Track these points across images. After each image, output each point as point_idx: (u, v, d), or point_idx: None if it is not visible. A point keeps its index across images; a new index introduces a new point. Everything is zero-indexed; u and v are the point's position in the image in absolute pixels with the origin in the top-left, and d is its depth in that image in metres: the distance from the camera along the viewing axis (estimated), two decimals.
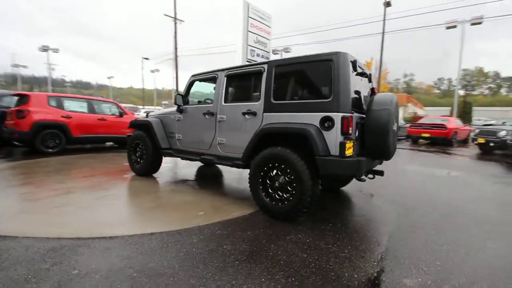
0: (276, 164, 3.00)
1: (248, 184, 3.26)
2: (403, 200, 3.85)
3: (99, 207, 3.20)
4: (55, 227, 2.60)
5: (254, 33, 13.95)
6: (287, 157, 2.87)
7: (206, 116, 3.88)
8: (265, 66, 3.30)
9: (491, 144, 9.48)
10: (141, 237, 2.46)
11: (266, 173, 3.11)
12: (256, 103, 3.33)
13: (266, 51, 14.64)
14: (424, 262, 2.18)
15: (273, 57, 22.47)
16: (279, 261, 2.12)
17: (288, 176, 2.94)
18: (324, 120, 2.79)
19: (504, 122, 12.94)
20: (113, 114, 8.30)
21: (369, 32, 20.70)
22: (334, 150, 2.74)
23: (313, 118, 2.85)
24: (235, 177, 5.08)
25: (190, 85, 4.27)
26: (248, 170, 3.31)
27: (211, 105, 3.87)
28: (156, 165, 4.79)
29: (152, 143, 4.58)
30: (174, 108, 4.88)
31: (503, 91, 77.59)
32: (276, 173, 3.05)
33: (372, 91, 3.72)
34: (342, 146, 2.69)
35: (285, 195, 3.00)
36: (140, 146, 4.84)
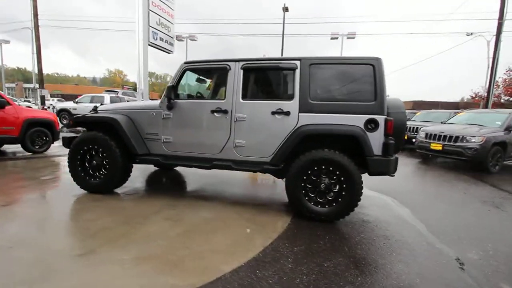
0: (323, 167, 2.91)
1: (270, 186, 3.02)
2: None
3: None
4: None
5: (156, 13, 12.56)
6: (338, 159, 2.84)
7: (216, 114, 3.26)
8: (298, 62, 3.08)
9: (455, 157, 6.26)
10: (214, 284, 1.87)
11: (308, 177, 2.97)
12: (290, 102, 3.07)
13: (170, 36, 13.47)
14: None
15: (178, 44, 20.58)
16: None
17: (335, 178, 2.92)
18: (368, 122, 2.91)
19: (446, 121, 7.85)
20: None
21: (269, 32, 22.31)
22: (377, 150, 2.92)
23: (358, 120, 2.93)
24: (205, 174, 4.52)
25: (182, 75, 3.43)
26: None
27: (222, 101, 3.27)
28: (126, 176, 3.63)
29: (121, 148, 3.44)
30: (149, 102, 3.83)
31: None
32: (319, 176, 2.96)
33: None
34: (386, 146, 2.90)
35: (327, 198, 2.97)
36: (95, 153, 3.52)
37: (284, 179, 3.10)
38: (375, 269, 2.09)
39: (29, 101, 26.22)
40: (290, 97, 3.09)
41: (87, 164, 3.58)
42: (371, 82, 2.95)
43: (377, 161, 2.88)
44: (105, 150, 3.44)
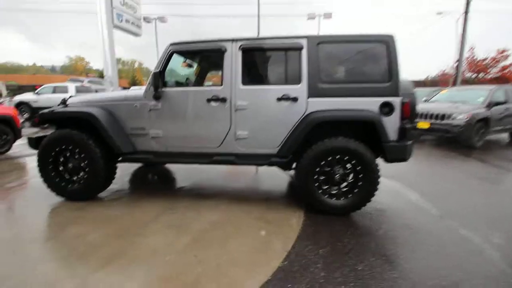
0: (337, 157, 2.67)
1: (288, 181, 2.76)
2: None
3: None
4: None
5: None
6: (355, 148, 2.61)
7: (212, 103, 2.86)
8: (304, 41, 2.73)
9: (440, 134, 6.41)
10: None
11: (321, 168, 2.72)
12: (296, 86, 2.74)
13: (136, 18, 12.43)
14: None
15: (146, 27, 19.04)
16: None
17: (350, 168, 2.70)
18: (384, 105, 2.69)
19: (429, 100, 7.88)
20: None
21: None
22: (394, 135, 2.73)
23: (372, 103, 2.69)
24: (198, 168, 4.16)
25: (169, 58, 2.95)
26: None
27: (218, 88, 2.86)
28: (110, 178, 3.16)
29: (101, 146, 2.95)
30: (130, 91, 3.32)
31: None
32: (333, 166, 2.72)
33: None
34: (403, 131, 2.71)
35: (342, 189, 2.76)
36: (70, 154, 3.01)
37: (293, 172, 2.83)
38: (411, 267, 1.92)
39: None
40: (297, 81, 2.76)
41: (61, 168, 3.06)
42: (385, 61, 2.70)
43: (394, 147, 2.69)
44: (83, 151, 2.93)
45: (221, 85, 2.86)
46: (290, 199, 3.18)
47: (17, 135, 5.81)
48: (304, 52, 2.73)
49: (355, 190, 2.71)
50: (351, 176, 2.74)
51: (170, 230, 2.39)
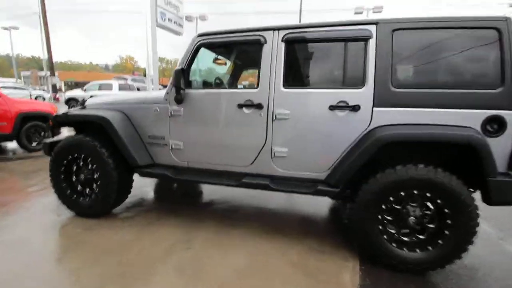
0: (415, 192, 1.89)
1: (345, 222, 2.03)
2: None
3: None
4: None
5: None
6: (445, 183, 1.80)
7: (245, 109, 2.25)
8: (373, 28, 1.98)
9: None
10: None
11: (389, 205, 1.96)
12: (359, 90, 2.01)
13: (179, 17, 12.39)
14: None
15: (188, 25, 19.33)
16: None
17: (433, 209, 1.90)
18: (489, 121, 1.83)
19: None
20: None
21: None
22: (503, 166, 1.85)
23: (472, 118, 1.85)
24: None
25: (195, 53, 2.41)
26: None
27: (253, 90, 2.25)
28: (125, 193, 2.74)
29: (116, 157, 2.52)
30: (152, 93, 2.87)
31: None
32: (406, 204, 1.94)
33: None
34: None
35: (418, 237, 1.96)
36: (83, 164, 2.64)
37: (348, 206, 2.10)
38: None
39: (43, 89, 25.91)
40: (359, 83, 2.02)
41: (74, 178, 2.71)
42: (495, 56, 1.84)
43: (504, 184, 1.81)
44: (95, 161, 2.53)
45: (257, 87, 2.23)
46: (340, 238, 2.44)
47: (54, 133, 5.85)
48: (371, 43, 1.98)
49: (439, 241, 1.90)
50: (433, 220, 1.93)
51: (180, 277, 1.83)
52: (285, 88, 2.16)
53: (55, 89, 20.61)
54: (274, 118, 2.18)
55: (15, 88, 20.44)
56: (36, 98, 19.87)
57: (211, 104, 2.35)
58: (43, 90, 25.50)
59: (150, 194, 3.42)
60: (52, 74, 20.67)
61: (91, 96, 3.07)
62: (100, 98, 2.94)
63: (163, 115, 2.50)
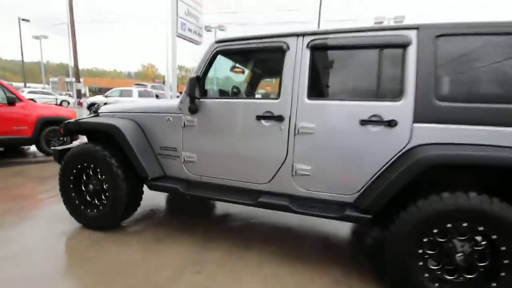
0: (464, 224, 1.60)
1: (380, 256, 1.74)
2: None
3: None
4: None
5: (185, 2, 11.69)
6: (503, 216, 1.50)
7: (264, 122, 2.05)
8: (413, 33, 1.74)
9: None
10: None
11: (432, 238, 1.67)
12: (396, 103, 1.76)
13: (198, 27, 12.52)
14: None
15: (206, 35, 19.69)
16: None
17: (485, 244, 1.59)
18: None
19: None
20: None
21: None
22: None
23: None
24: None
25: (212, 60, 2.25)
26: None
27: (274, 101, 2.05)
28: (132, 207, 2.58)
29: (126, 168, 2.38)
30: (165, 101, 2.75)
31: None
32: (452, 238, 1.65)
33: None
34: None
35: (466, 276, 1.65)
36: (93, 174, 2.52)
37: (385, 236, 1.82)
38: None
39: (69, 95, 27.13)
40: (396, 95, 1.77)
41: (83, 188, 2.60)
42: None
43: None
44: (104, 171, 2.40)
45: (278, 97, 2.03)
46: (367, 268, 2.15)
47: (74, 137, 5.91)
48: (411, 50, 1.73)
49: (493, 285, 1.58)
50: (483, 258, 1.62)
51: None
52: (309, 99, 1.94)
53: (79, 95, 21.51)
54: (296, 132, 1.96)
55: (42, 93, 21.61)
56: (61, 103, 20.86)
57: (227, 115, 2.17)
58: (69, 95, 26.73)
59: (161, 204, 3.26)
60: (77, 80, 21.61)
61: (105, 104, 2.98)
62: (114, 105, 2.84)
63: (176, 125, 2.35)
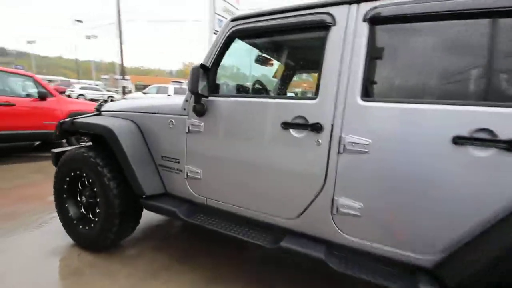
0: None
1: None
2: None
3: None
4: None
5: None
6: None
7: (292, 131, 1.41)
8: None
9: None
10: None
11: None
12: None
13: None
14: None
15: None
16: None
17: None
18: None
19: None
20: (27, 96, 4.97)
21: None
22: None
23: None
24: None
25: (227, 45, 1.67)
26: None
27: (309, 102, 1.40)
28: (127, 228, 2.12)
29: (120, 180, 1.92)
30: (170, 99, 2.26)
31: None
32: None
33: None
34: None
35: None
36: (88, 184, 2.11)
37: None
38: None
39: (117, 91, 29.02)
40: None
41: (79, 199, 2.21)
42: None
43: None
44: (96, 182, 1.97)
45: (316, 96, 1.38)
46: None
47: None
48: None
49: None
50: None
51: None
52: (365, 100, 1.26)
53: (124, 91, 22.87)
54: (341, 149, 1.29)
55: (91, 89, 23.32)
56: (108, 98, 22.28)
57: (242, 119, 1.57)
58: (116, 91, 28.57)
59: (164, 220, 2.79)
60: (123, 77, 22.95)
61: (111, 100, 2.59)
62: (118, 103, 2.41)
63: (179, 130, 1.82)
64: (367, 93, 1.27)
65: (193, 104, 1.66)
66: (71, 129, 2.20)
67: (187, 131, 1.76)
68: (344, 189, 1.31)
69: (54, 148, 2.44)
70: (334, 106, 1.31)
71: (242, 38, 1.71)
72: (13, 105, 4.62)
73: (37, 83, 5.15)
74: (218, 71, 1.71)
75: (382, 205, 1.25)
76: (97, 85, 30.65)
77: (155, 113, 1.95)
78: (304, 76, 3.05)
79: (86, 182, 2.12)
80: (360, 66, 1.26)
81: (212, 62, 1.67)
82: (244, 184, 1.61)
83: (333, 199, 1.34)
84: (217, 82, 1.73)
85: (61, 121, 2.25)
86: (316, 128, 1.34)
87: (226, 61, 1.70)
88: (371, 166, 1.24)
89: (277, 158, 1.47)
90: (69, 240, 2.21)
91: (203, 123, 1.70)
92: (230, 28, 1.63)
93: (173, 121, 1.84)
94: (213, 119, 1.67)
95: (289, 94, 2.42)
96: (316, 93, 1.37)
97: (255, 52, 2.05)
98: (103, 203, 1.94)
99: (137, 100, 2.39)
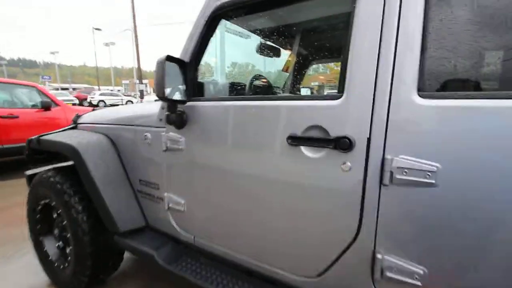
0: None
1: None
2: None
3: None
4: None
5: None
6: None
7: (304, 149, 0.92)
8: None
9: None
10: None
11: None
12: None
13: None
14: None
15: None
16: None
17: None
18: None
19: None
20: (33, 106, 4.82)
21: None
22: None
23: None
24: None
25: (210, 28, 1.20)
26: None
27: (326, 102, 0.90)
28: (104, 269, 1.72)
29: (88, 213, 1.52)
30: (144, 106, 1.81)
31: None
32: None
33: None
34: None
35: None
36: (57, 214, 1.74)
37: None
38: None
39: (135, 95, 29.67)
40: None
41: (54, 232, 1.85)
42: None
43: None
44: (65, 214, 1.59)
45: (340, 94, 0.88)
46: None
47: None
48: None
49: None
50: None
51: None
52: (424, 97, 0.74)
53: (142, 95, 23.24)
54: (387, 179, 0.79)
55: (110, 94, 23.91)
56: (126, 103, 22.72)
57: (232, 131, 1.10)
58: (134, 95, 29.19)
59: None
60: (140, 81, 23.29)
61: (93, 109, 2.22)
62: (97, 113, 2.01)
63: (155, 147, 1.38)
64: (428, 85, 0.76)
65: (166, 111, 1.22)
66: (37, 148, 1.84)
67: (164, 148, 1.32)
68: (393, 242, 0.81)
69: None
70: (372, 108, 0.80)
71: (230, 17, 1.23)
72: (17, 117, 4.47)
73: (40, 92, 4.99)
74: (201, 66, 1.25)
75: (459, 272, 0.73)
76: (118, 91, 31.45)
77: (129, 125, 1.53)
78: (321, 68, 2.52)
79: (56, 213, 1.75)
80: (416, 41, 0.74)
81: (191, 55, 1.21)
82: (238, 223, 1.14)
83: (374, 255, 0.84)
84: (200, 80, 1.26)
85: (29, 139, 1.89)
86: (342, 144, 0.84)
87: (210, 52, 1.24)
88: (440, 209, 0.73)
89: (282, 190, 0.99)
90: (44, 279, 1.86)
91: (183, 138, 1.25)
92: (215, 6, 1.16)
93: (149, 135, 1.40)
94: (196, 132, 1.21)
95: (291, 95, 1.90)
96: (341, 89, 0.87)
97: (252, 38, 1.56)
98: (72, 241, 1.56)
99: (115, 108, 1.99)
